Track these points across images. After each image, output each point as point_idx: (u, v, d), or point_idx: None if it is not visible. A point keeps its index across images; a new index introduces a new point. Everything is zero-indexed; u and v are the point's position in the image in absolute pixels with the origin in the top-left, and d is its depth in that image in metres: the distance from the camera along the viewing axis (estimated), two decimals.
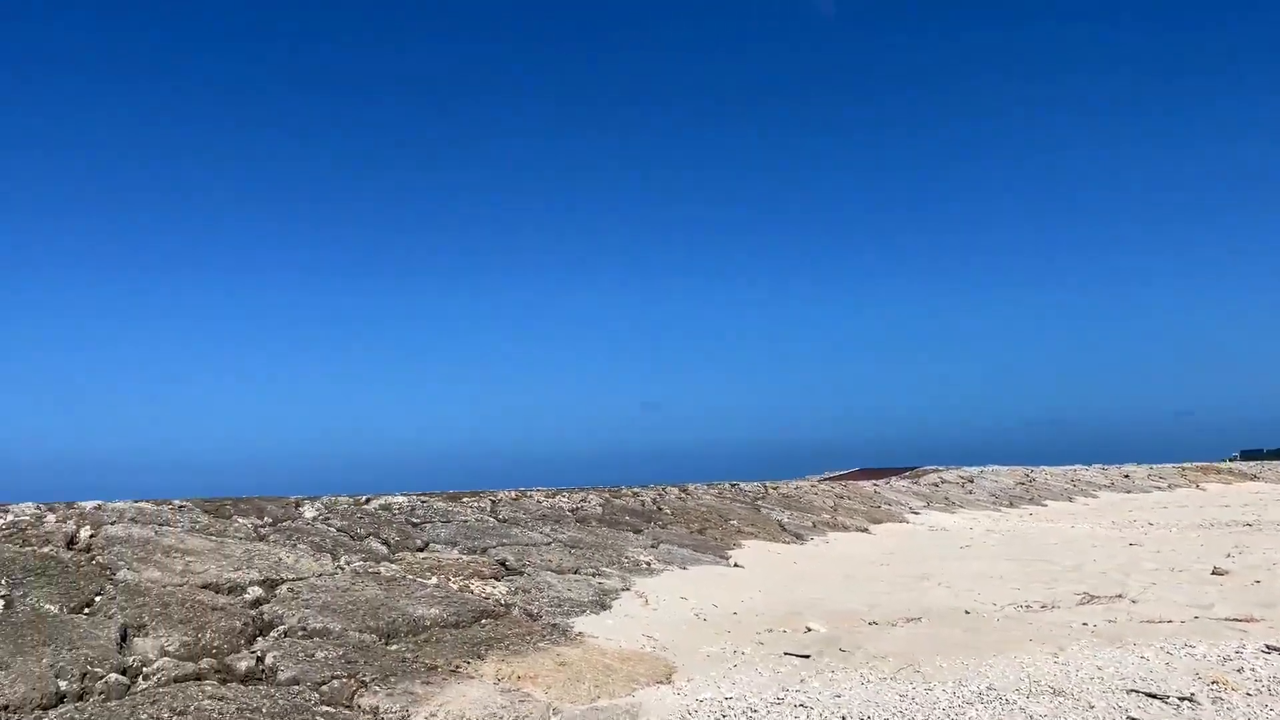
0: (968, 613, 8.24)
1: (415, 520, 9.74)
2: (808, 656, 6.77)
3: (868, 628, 7.65)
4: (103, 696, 4.66)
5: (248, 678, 5.22)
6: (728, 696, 5.86)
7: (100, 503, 7.58)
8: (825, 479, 25.78)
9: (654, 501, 13.80)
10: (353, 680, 5.33)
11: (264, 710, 4.73)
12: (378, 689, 5.28)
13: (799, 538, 13.45)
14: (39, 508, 7.17)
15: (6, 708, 4.36)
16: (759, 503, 15.90)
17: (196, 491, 8.30)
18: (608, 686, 5.94)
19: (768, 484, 18.17)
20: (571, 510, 12.06)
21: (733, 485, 16.95)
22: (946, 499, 23.55)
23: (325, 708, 4.95)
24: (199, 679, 5.07)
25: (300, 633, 5.99)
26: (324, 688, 5.18)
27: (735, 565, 10.69)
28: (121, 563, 6.41)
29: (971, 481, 27.91)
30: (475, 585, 7.87)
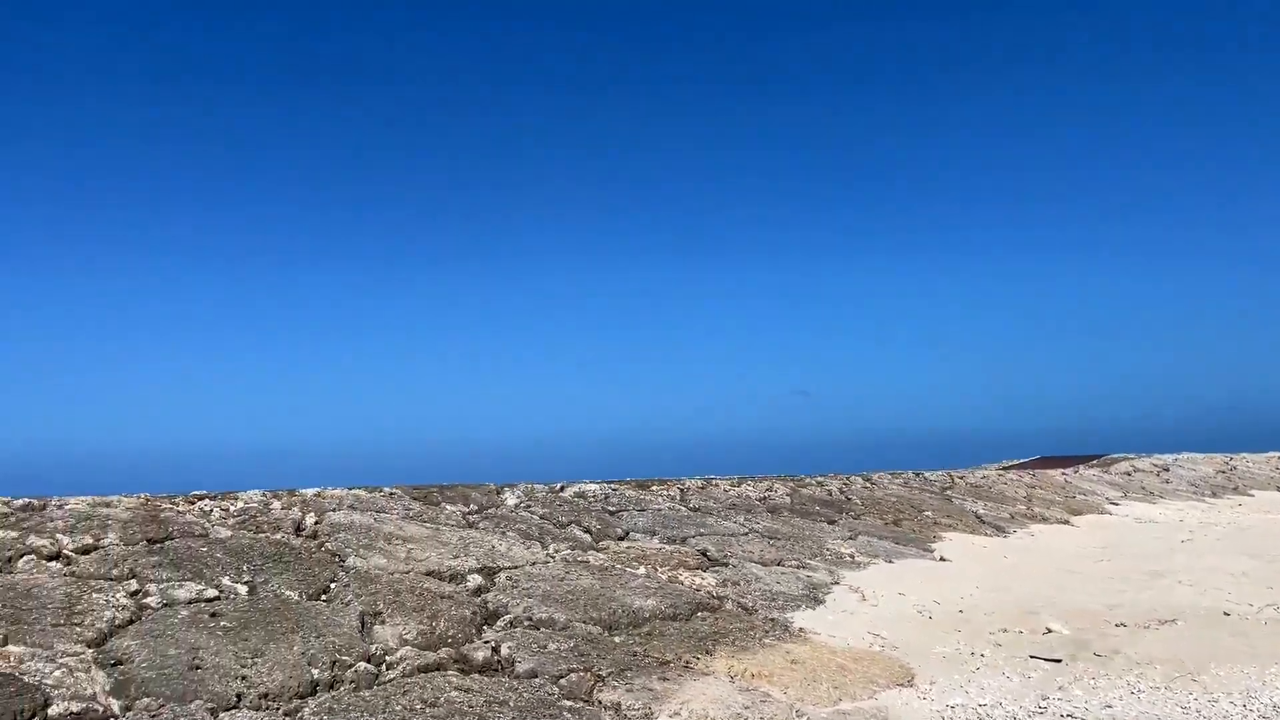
0: (1226, 614, 7.43)
1: (611, 509, 9.59)
2: (1059, 660, 6.21)
3: (1116, 630, 6.99)
4: (353, 685, 4.61)
5: (485, 668, 5.11)
6: (981, 703, 5.39)
7: (320, 489, 7.72)
8: (1006, 467, 24.50)
9: (841, 491, 13.28)
10: (589, 674, 5.14)
11: (510, 704, 4.59)
12: (616, 684, 5.07)
13: (1000, 530, 12.67)
14: (265, 495, 7.35)
15: (266, 695, 4.35)
16: (948, 492, 15.12)
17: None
18: (847, 688, 5.56)
19: (953, 472, 17.31)
20: (759, 499, 11.70)
21: (917, 474, 16.21)
22: (1143, 488, 21.96)
23: (567, 702, 4.78)
24: (440, 669, 4.98)
25: (527, 622, 5.86)
26: (562, 681, 5.01)
27: (941, 559, 10.10)
28: (349, 549, 6.45)
29: (1167, 470, 25.97)
30: (684, 576, 7.62)
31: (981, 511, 13.86)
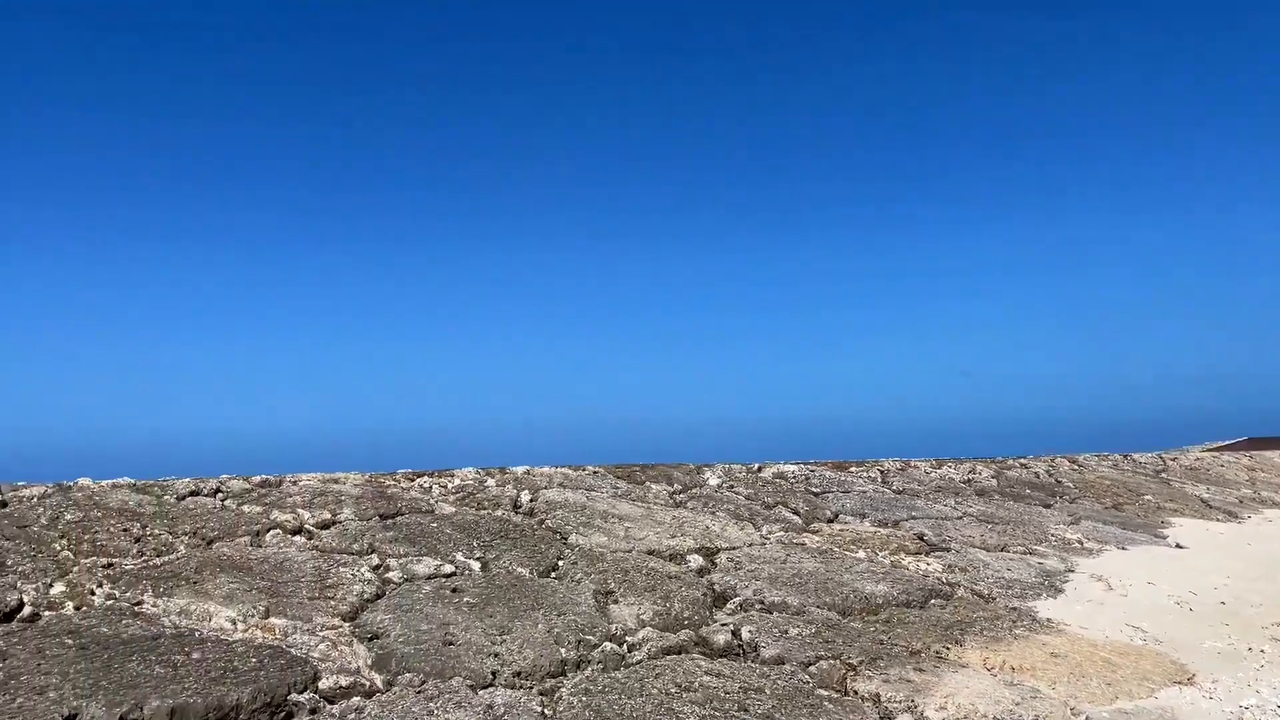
0: None
1: (814, 490, 9.23)
2: None
3: None
4: (601, 666, 4.45)
5: (726, 652, 4.87)
6: None
7: (529, 468, 7.69)
8: (1212, 449, 22.67)
9: (1048, 473, 12.46)
10: (839, 662, 4.82)
11: (766, 691, 4.32)
12: (870, 674, 4.73)
13: (1232, 515, 11.59)
14: (479, 472, 7.36)
15: (520, 674, 4.23)
16: (1162, 475, 14.00)
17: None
18: (1120, 685, 5.04)
19: (1163, 454, 16.06)
20: (964, 482, 11.07)
21: (1125, 456, 15.10)
22: None
23: (823, 691, 4.47)
24: (682, 651, 4.77)
25: (759, 605, 5.59)
26: (812, 669, 4.70)
27: (1177, 546, 9.26)
28: (569, 527, 6.35)
29: None
30: (906, 561, 7.19)
31: (1206, 495, 12.73)
